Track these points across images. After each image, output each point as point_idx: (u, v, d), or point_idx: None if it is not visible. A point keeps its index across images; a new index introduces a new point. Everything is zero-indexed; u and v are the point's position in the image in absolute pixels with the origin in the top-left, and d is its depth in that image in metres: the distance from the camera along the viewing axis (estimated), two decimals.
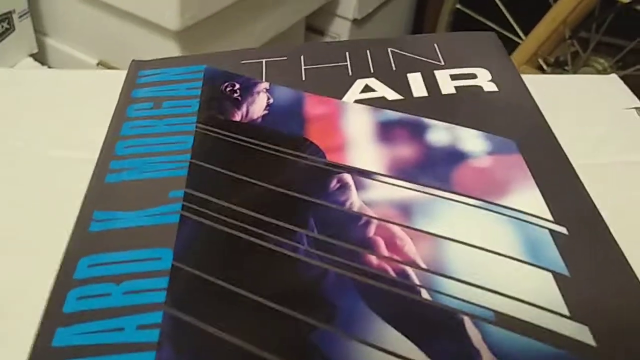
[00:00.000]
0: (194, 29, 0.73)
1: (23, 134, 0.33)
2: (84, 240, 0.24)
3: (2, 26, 0.74)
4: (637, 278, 0.22)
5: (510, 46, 0.98)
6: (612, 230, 0.24)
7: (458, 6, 1.14)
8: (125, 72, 0.34)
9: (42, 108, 0.35)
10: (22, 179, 0.31)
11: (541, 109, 0.30)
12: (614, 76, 0.38)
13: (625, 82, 0.36)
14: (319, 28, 1.13)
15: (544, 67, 0.99)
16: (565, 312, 0.21)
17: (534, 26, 0.97)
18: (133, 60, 0.34)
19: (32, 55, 0.82)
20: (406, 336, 0.20)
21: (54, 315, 0.21)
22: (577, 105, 0.34)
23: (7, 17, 0.75)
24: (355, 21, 1.09)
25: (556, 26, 0.94)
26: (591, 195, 0.25)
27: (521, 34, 1.06)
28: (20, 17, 0.77)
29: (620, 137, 0.31)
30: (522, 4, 1.04)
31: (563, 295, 0.21)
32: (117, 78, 0.33)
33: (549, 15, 0.94)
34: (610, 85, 0.37)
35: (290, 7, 0.92)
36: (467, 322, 0.21)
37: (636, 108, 0.33)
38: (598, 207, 0.25)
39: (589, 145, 0.27)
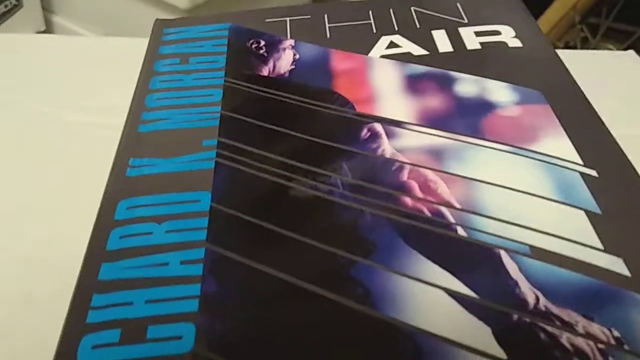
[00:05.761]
0: (203, 8, 0.73)
1: (41, 99, 0.34)
2: (122, 185, 0.24)
3: (11, 2, 0.74)
4: None
5: None
6: None
7: None
8: (135, 40, 0.34)
9: (56, 73, 0.35)
10: (43, 142, 0.31)
11: None
12: (631, 52, 0.38)
13: None
14: None
15: None
16: (599, 245, 0.21)
17: (544, 11, 0.97)
18: (157, 19, 0.35)
19: (39, 33, 0.82)
20: (445, 269, 0.21)
21: (98, 252, 0.22)
22: (593, 78, 0.34)
23: None
24: None
25: (566, 11, 0.94)
26: None
27: None
28: None
29: (634, 110, 0.31)
30: None
31: (596, 231, 0.22)
32: (128, 45, 0.33)
33: (558, 0, 0.94)
34: (627, 61, 0.37)
35: None
36: (504, 256, 0.21)
37: None
38: None
39: (603, 118, 0.27)
